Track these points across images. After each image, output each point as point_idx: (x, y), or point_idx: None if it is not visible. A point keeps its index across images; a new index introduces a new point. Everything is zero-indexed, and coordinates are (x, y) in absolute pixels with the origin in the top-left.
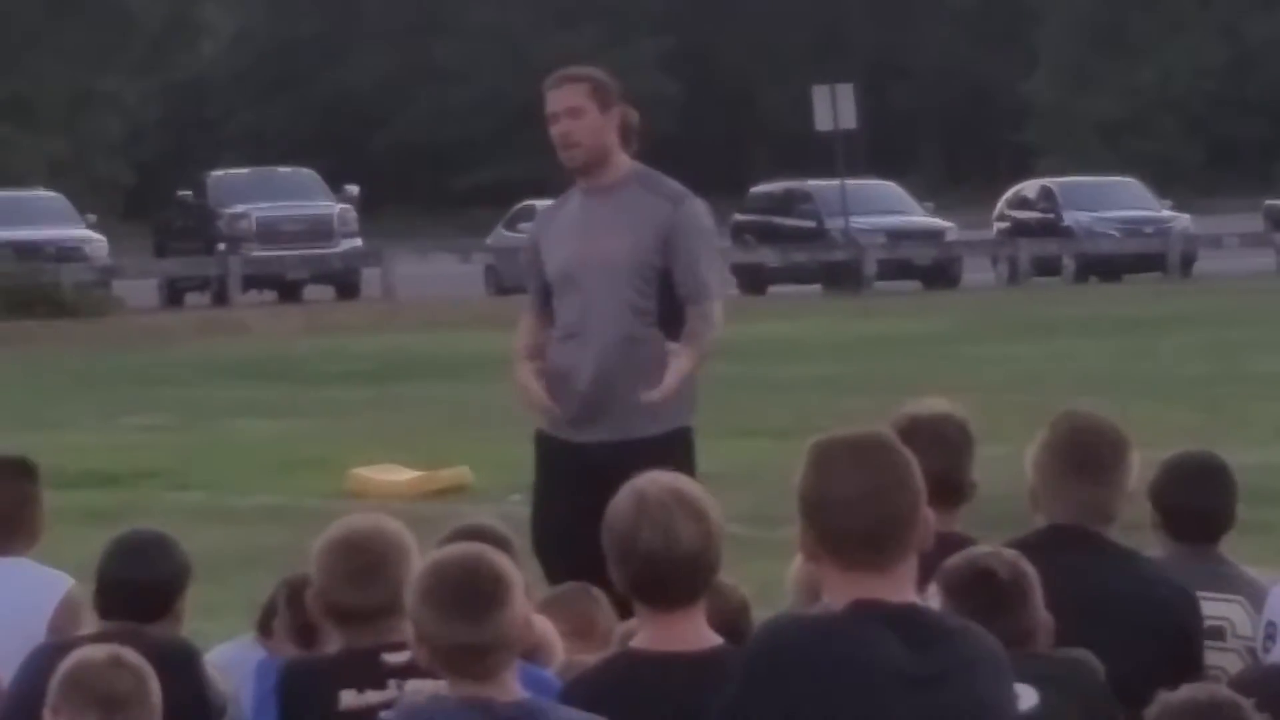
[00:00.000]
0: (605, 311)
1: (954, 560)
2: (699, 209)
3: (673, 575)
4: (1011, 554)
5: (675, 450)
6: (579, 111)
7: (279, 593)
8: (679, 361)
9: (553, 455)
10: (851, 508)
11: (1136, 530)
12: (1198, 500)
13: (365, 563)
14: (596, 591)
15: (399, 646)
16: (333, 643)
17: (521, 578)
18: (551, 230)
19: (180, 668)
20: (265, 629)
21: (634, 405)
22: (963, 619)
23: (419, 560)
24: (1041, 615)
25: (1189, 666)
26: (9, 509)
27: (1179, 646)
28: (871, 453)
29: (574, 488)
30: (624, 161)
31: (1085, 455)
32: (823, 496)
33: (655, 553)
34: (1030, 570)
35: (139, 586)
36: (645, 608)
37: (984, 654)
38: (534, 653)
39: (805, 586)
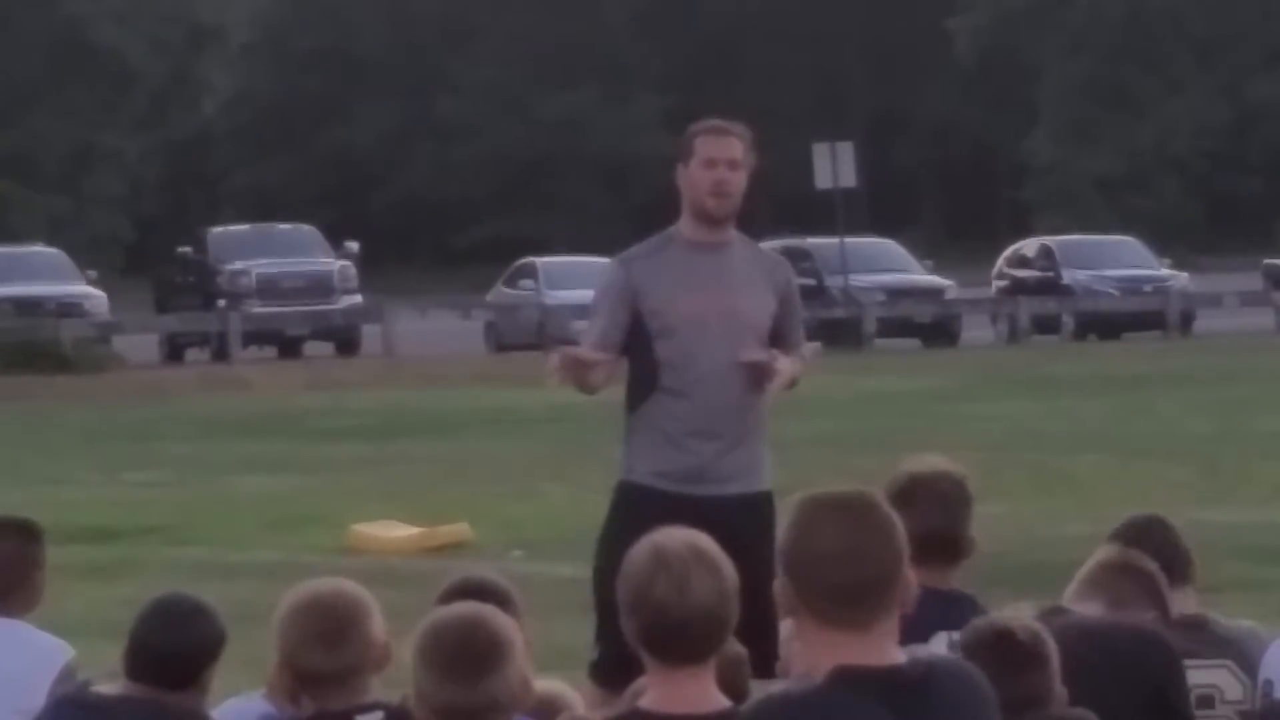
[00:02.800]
0: (735, 365)
1: (978, 621)
2: None
3: (684, 629)
4: (1035, 623)
5: (772, 507)
6: (738, 165)
7: None
8: (790, 361)
9: (653, 509)
10: (832, 563)
11: None
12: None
13: (333, 626)
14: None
15: (370, 708)
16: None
17: (521, 636)
18: (657, 274)
19: None
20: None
21: (756, 458)
22: (945, 661)
23: (380, 619)
24: (1056, 686)
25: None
26: (8, 571)
27: (1152, 689)
28: (855, 510)
29: None
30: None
31: None
32: (804, 551)
33: (668, 604)
34: (1050, 641)
35: (168, 653)
36: (654, 663)
37: (972, 702)
38: (546, 708)
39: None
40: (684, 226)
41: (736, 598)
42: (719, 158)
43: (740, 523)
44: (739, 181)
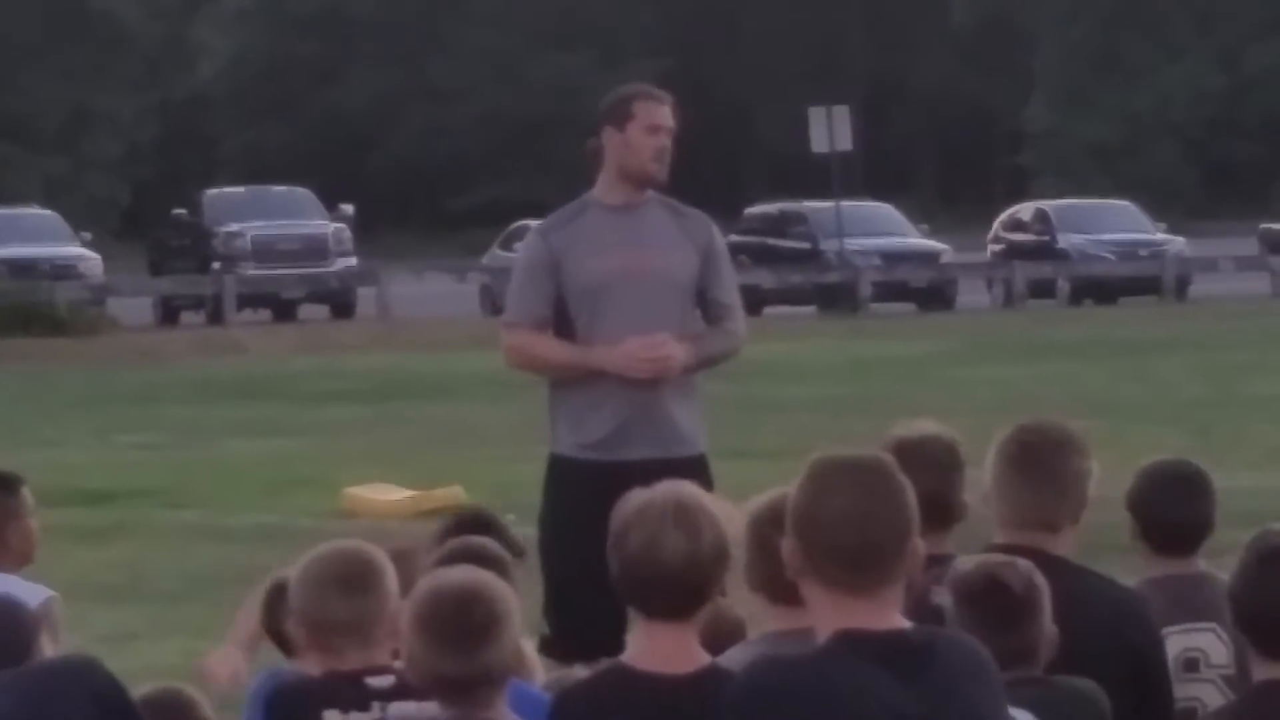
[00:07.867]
0: (655, 324)
1: (969, 567)
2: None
3: (653, 585)
4: (1026, 565)
5: (706, 471)
6: (672, 133)
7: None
8: (685, 346)
9: (577, 479)
10: (843, 527)
11: (1108, 552)
12: (1176, 509)
13: (353, 571)
14: None
15: (382, 670)
16: (311, 664)
17: (517, 603)
18: (577, 243)
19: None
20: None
21: (678, 423)
22: (950, 634)
23: (396, 580)
24: (1048, 629)
25: (1151, 687)
26: None
27: (1134, 666)
28: (870, 475)
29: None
30: None
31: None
32: (816, 513)
33: (636, 559)
34: (1042, 583)
35: None
36: (634, 613)
37: (974, 674)
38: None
39: (754, 541)
40: (601, 190)
41: (721, 559)
42: (663, 125)
43: None
44: (670, 149)
